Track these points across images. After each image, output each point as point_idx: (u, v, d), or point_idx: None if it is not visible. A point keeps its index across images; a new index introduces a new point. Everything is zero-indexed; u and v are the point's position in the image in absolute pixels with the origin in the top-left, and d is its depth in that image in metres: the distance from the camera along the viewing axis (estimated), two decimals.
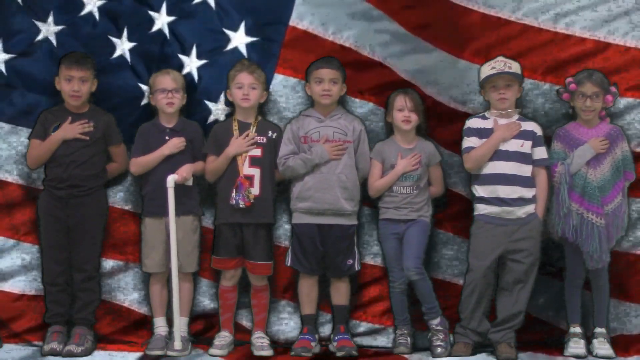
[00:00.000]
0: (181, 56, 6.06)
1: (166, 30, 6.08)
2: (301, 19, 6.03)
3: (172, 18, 6.07)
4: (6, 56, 6.05)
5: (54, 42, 6.04)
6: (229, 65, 5.96)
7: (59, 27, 6.05)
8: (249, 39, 6.07)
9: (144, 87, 6.04)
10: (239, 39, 6.07)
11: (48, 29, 6.04)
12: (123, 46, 6.05)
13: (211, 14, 6.06)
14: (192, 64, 6.06)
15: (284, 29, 6.03)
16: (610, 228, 5.80)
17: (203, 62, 6.07)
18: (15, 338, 5.94)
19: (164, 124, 5.95)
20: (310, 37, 6.02)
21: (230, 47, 6.07)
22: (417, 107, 5.89)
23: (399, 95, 5.91)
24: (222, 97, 6.04)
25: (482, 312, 5.86)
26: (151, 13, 6.07)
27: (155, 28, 6.08)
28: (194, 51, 6.06)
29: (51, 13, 6.04)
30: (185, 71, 6.04)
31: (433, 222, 5.96)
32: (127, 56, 6.06)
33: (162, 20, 6.07)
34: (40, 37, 6.05)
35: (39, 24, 6.04)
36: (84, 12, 6.07)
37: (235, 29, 6.07)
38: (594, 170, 5.79)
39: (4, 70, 6.05)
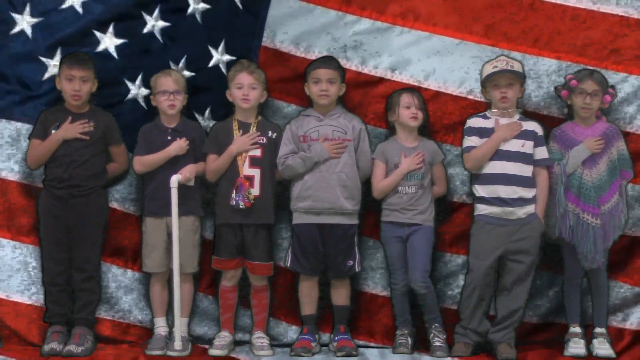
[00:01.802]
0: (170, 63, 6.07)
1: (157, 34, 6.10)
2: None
3: (166, 24, 6.08)
4: None
5: (30, 34, 6.02)
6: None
7: (36, 20, 6.03)
8: (228, 57, 6.08)
9: (130, 84, 6.04)
10: (219, 57, 6.09)
11: (28, 21, 6.02)
12: (108, 42, 6.04)
13: (198, 29, 6.07)
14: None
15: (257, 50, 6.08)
16: (607, 228, 5.80)
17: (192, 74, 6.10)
18: (16, 338, 5.92)
19: (165, 124, 5.95)
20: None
21: (211, 64, 6.09)
22: (422, 105, 5.90)
23: (404, 93, 5.91)
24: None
25: (482, 312, 5.85)
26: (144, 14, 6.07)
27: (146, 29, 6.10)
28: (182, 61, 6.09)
29: (28, 5, 6.02)
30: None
31: (435, 225, 5.94)
32: (113, 52, 6.05)
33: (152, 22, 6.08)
34: (16, 29, 6.02)
35: (16, 15, 6.03)
36: (64, 6, 6.05)
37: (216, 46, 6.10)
38: (589, 171, 5.79)
39: None
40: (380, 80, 6.05)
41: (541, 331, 6.03)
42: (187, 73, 6.05)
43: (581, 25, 5.98)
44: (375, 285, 6.07)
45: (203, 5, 6.05)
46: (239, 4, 6.05)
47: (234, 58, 6.03)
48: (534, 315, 6.02)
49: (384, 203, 5.92)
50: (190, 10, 6.05)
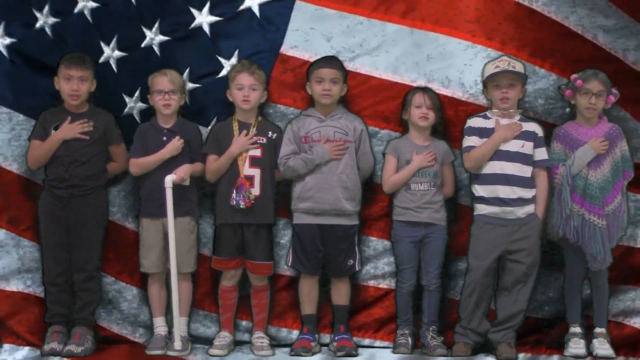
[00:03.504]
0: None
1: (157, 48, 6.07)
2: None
3: (165, 38, 6.04)
4: (7, 40, 6.03)
5: (50, 33, 6.01)
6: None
7: (55, 19, 6.02)
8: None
9: (127, 99, 6.04)
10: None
11: (45, 20, 6.01)
12: (110, 53, 6.04)
13: (206, 40, 6.02)
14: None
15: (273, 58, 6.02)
16: (611, 228, 5.79)
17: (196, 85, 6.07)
18: (15, 338, 5.93)
19: (161, 124, 5.92)
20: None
21: (222, 74, 6.02)
22: (434, 105, 5.86)
23: (417, 92, 5.88)
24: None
25: (482, 312, 5.86)
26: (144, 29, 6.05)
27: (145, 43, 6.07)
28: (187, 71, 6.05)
29: (47, 4, 6.02)
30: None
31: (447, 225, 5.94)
32: (114, 65, 6.04)
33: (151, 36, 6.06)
34: (37, 25, 6.02)
35: (37, 12, 6.02)
36: (76, 10, 6.04)
37: (228, 56, 6.05)
38: (594, 171, 5.77)
39: (5, 54, 6.03)
40: (395, 83, 6.00)
41: (541, 331, 6.02)
42: (191, 85, 6.03)
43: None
44: None
45: (211, 18, 6.00)
46: (257, 13, 6.00)
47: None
48: (534, 312, 6.01)
49: (396, 201, 5.91)
50: (195, 23, 6.01)
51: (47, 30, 6.01)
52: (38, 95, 6.00)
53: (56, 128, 5.82)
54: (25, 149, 5.94)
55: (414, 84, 5.96)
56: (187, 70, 6.00)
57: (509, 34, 5.94)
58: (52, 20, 6.01)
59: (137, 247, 5.94)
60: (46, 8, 6.02)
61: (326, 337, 6.02)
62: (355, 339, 5.97)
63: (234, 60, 6.00)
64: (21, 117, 6.01)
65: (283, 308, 6.05)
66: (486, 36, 5.96)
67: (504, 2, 5.94)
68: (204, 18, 6.01)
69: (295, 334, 6.00)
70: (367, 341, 6.03)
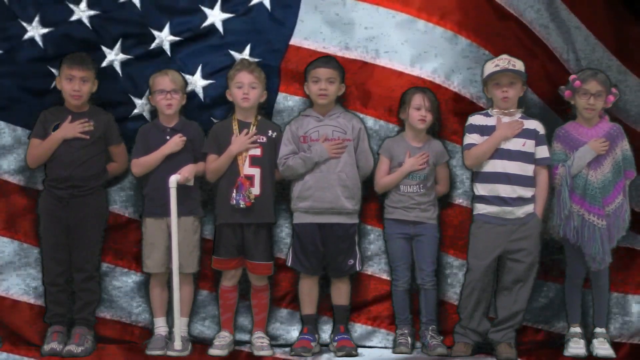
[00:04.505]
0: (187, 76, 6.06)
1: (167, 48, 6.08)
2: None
3: (176, 38, 6.06)
4: None
5: (40, 43, 6.01)
6: None
7: (46, 29, 6.01)
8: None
9: (136, 100, 6.04)
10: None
11: (36, 31, 6.00)
12: (114, 57, 6.03)
13: (218, 36, 6.04)
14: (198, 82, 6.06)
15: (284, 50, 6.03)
16: (611, 228, 5.79)
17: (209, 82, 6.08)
18: (15, 338, 5.91)
19: (164, 124, 5.93)
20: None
21: None
22: (433, 107, 5.86)
23: (417, 93, 5.87)
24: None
25: (481, 312, 5.85)
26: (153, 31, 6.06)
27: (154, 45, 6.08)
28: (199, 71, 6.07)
29: (37, 15, 5.99)
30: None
31: (438, 223, 5.95)
32: (118, 68, 6.04)
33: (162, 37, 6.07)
34: (26, 36, 6.01)
35: (25, 24, 6.01)
36: (73, 18, 6.03)
37: (240, 50, 6.06)
38: (594, 172, 5.77)
39: None
40: (402, 74, 6.01)
41: (541, 332, 6.05)
42: (204, 82, 6.04)
43: None
44: None
45: (224, 15, 6.02)
46: (268, 7, 6.03)
47: (259, 60, 6.01)
48: (533, 318, 6.04)
49: (387, 200, 5.93)
50: (209, 22, 6.02)
51: (38, 40, 5.99)
52: (28, 104, 5.99)
53: (55, 128, 5.83)
54: (23, 154, 5.95)
55: (426, 77, 5.98)
56: (200, 66, 6.01)
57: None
58: (42, 30, 6.00)
59: (140, 244, 5.96)
60: (36, 18, 5.99)
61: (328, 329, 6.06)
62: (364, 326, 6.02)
63: (246, 54, 6.01)
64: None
65: None
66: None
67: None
68: (216, 16, 6.03)
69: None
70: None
